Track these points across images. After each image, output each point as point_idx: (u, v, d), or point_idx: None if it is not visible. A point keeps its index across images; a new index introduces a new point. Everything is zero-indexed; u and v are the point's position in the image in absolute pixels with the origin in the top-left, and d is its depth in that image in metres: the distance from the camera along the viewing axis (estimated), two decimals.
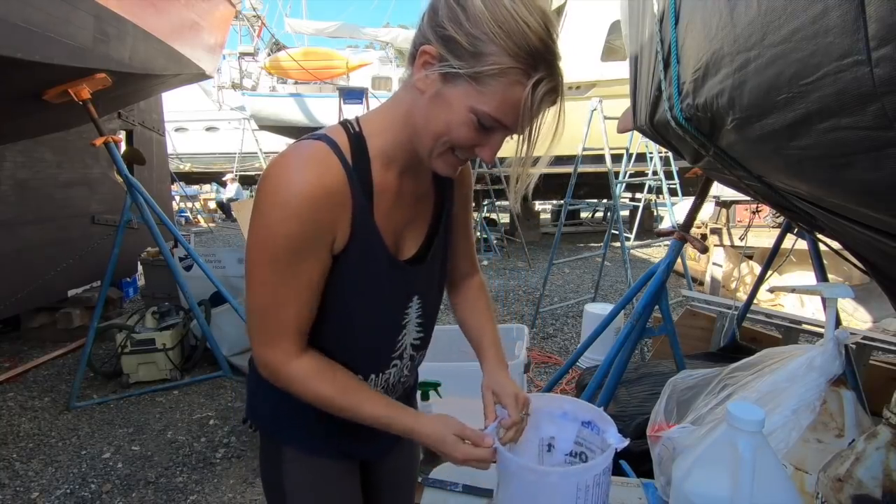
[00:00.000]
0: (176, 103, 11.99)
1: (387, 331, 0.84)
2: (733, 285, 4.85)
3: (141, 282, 5.26)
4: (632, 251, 6.76)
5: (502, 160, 7.10)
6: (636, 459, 1.42)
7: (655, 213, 9.67)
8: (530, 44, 0.61)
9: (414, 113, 0.71)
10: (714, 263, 5.03)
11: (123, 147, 4.98)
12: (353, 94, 8.26)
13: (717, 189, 4.53)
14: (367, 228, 0.74)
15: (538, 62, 0.62)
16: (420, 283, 0.85)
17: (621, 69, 6.54)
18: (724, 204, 4.95)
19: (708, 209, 5.20)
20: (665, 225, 6.86)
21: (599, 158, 4.51)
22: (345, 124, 0.75)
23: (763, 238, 4.52)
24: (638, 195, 8.87)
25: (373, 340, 0.83)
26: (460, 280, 1.03)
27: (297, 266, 0.70)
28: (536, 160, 0.72)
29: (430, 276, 0.87)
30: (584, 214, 12.12)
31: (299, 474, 0.87)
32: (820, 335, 1.36)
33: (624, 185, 5.23)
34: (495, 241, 7.95)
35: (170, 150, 8.69)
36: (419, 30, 0.68)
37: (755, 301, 2.77)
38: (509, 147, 0.73)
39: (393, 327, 0.84)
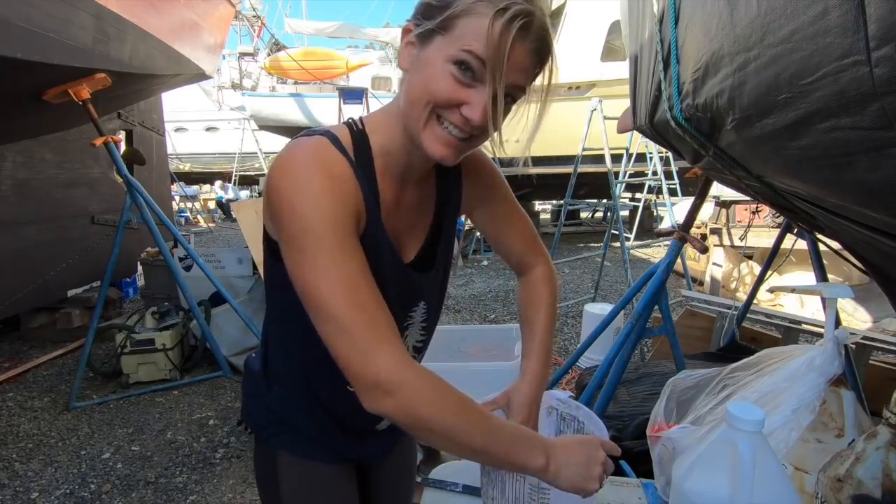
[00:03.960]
0: (176, 103, 12.01)
1: None
2: (733, 285, 4.85)
3: (141, 282, 5.25)
4: (632, 251, 6.75)
5: (503, 161, 7.08)
6: (636, 459, 1.42)
7: (655, 213, 9.66)
8: None
9: (402, 96, 0.70)
10: (714, 263, 5.03)
11: (123, 147, 4.98)
12: (352, 94, 8.26)
13: (717, 189, 4.53)
14: (376, 224, 0.72)
15: None
16: (426, 288, 0.84)
17: (621, 69, 6.55)
18: (723, 204, 4.95)
19: (708, 209, 5.19)
20: (665, 225, 6.86)
21: (599, 158, 4.52)
22: (348, 123, 0.74)
23: (763, 238, 4.52)
24: (638, 195, 8.86)
25: None
26: (524, 271, 0.97)
27: (346, 243, 0.65)
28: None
29: (435, 283, 0.87)
30: (583, 214, 12.12)
31: (294, 478, 0.86)
32: (820, 335, 1.36)
33: (624, 185, 5.23)
34: None
35: (170, 150, 8.68)
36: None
37: (755, 301, 2.77)
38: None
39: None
